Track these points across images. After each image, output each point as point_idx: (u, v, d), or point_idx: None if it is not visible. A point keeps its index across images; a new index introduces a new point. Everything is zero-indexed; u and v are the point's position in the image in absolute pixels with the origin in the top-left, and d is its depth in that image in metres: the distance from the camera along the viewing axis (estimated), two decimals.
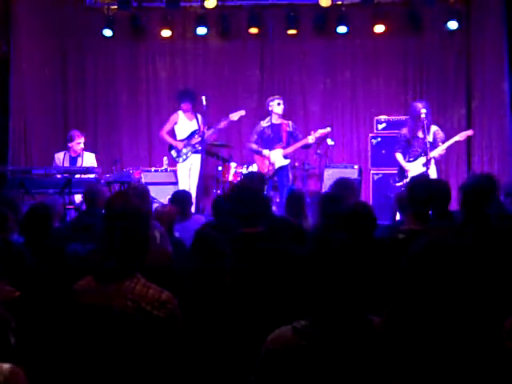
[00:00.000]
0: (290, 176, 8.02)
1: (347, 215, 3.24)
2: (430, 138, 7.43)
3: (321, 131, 7.81)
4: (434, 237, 2.00)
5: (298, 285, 2.06)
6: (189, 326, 2.55)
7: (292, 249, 3.02)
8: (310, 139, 7.75)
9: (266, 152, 7.90)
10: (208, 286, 2.92)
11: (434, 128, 7.60)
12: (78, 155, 7.87)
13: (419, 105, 7.48)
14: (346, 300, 1.99)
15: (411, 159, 7.59)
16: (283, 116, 8.06)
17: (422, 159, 7.42)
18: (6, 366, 1.69)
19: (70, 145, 7.85)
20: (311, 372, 1.95)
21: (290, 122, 8.08)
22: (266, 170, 7.84)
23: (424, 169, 7.34)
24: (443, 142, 7.53)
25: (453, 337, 1.85)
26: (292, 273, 2.61)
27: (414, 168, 7.48)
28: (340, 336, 1.96)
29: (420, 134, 7.42)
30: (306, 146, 7.98)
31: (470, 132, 7.88)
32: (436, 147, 7.48)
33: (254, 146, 8.02)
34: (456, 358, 1.83)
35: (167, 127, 8.37)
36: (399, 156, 7.65)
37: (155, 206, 5.51)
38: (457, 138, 7.62)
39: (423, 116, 7.28)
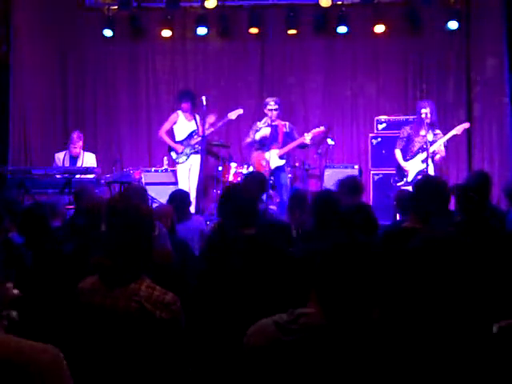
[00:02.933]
0: (288, 176, 8.05)
1: (348, 216, 3.23)
2: (429, 138, 7.47)
3: (315, 130, 7.91)
4: (431, 233, 2.01)
5: (294, 282, 2.00)
6: (192, 326, 2.55)
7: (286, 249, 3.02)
8: (304, 139, 7.82)
9: (257, 135, 7.92)
10: (213, 286, 2.91)
11: (436, 131, 7.64)
12: (78, 155, 7.91)
13: (422, 104, 7.57)
14: (353, 302, 1.91)
15: (408, 157, 7.65)
16: (281, 117, 8.10)
17: (421, 156, 7.46)
18: (48, 346, 1.69)
19: (71, 146, 7.93)
20: (293, 369, 1.89)
21: (287, 123, 8.13)
22: (262, 171, 7.87)
23: (424, 165, 7.39)
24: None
25: (447, 332, 1.86)
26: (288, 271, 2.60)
27: (412, 166, 7.54)
28: (332, 336, 1.89)
29: (422, 132, 7.47)
30: (302, 146, 8.03)
31: (466, 125, 7.88)
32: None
33: (249, 140, 8.08)
34: (449, 352, 1.84)
35: (166, 126, 8.38)
36: (398, 153, 7.71)
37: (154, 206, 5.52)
38: (454, 131, 7.67)
39: (423, 116, 7.35)
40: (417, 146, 7.57)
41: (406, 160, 7.67)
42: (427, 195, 3.54)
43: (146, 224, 2.50)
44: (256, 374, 1.95)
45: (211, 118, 8.18)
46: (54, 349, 1.68)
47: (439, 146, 7.51)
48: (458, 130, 7.70)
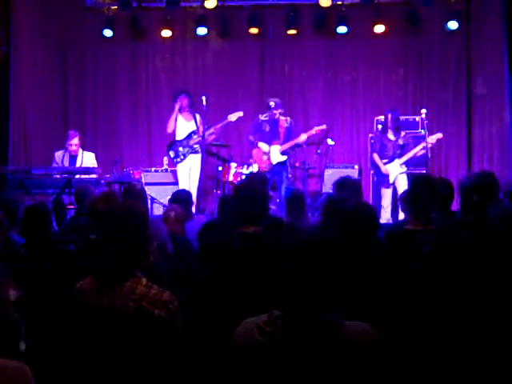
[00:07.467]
0: (289, 174, 8.07)
1: (349, 215, 3.22)
2: (400, 141, 7.67)
3: (317, 128, 8.00)
4: (446, 237, 2.00)
5: (271, 280, 2.01)
6: (190, 326, 2.54)
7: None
8: (303, 137, 7.91)
9: (261, 145, 7.99)
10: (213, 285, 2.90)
11: (402, 133, 7.83)
12: (77, 154, 7.90)
13: (387, 112, 7.87)
14: (308, 299, 1.91)
15: (385, 161, 7.84)
16: (283, 114, 8.14)
17: (399, 160, 7.72)
18: (13, 363, 1.68)
19: (67, 144, 7.94)
20: (270, 370, 1.91)
21: (289, 119, 8.16)
22: (263, 166, 7.96)
23: (404, 168, 7.69)
24: (414, 145, 7.75)
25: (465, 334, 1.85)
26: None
27: (392, 169, 7.76)
28: (297, 336, 1.90)
29: (390, 136, 7.72)
30: (297, 145, 8.11)
31: (439, 135, 7.92)
32: (408, 151, 7.72)
33: (251, 138, 8.15)
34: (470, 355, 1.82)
35: (172, 121, 8.13)
36: (377, 157, 7.88)
37: (159, 207, 5.49)
38: (429, 140, 7.70)
39: (389, 124, 7.70)
40: (390, 150, 7.77)
41: (384, 164, 7.86)
42: (424, 195, 3.54)
43: (140, 222, 2.49)
44: (241, 372, 1.99)
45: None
46: (16, 367, 1.63)
47: (431, 140, 7.68)
48: (432, 139, 7.79)
